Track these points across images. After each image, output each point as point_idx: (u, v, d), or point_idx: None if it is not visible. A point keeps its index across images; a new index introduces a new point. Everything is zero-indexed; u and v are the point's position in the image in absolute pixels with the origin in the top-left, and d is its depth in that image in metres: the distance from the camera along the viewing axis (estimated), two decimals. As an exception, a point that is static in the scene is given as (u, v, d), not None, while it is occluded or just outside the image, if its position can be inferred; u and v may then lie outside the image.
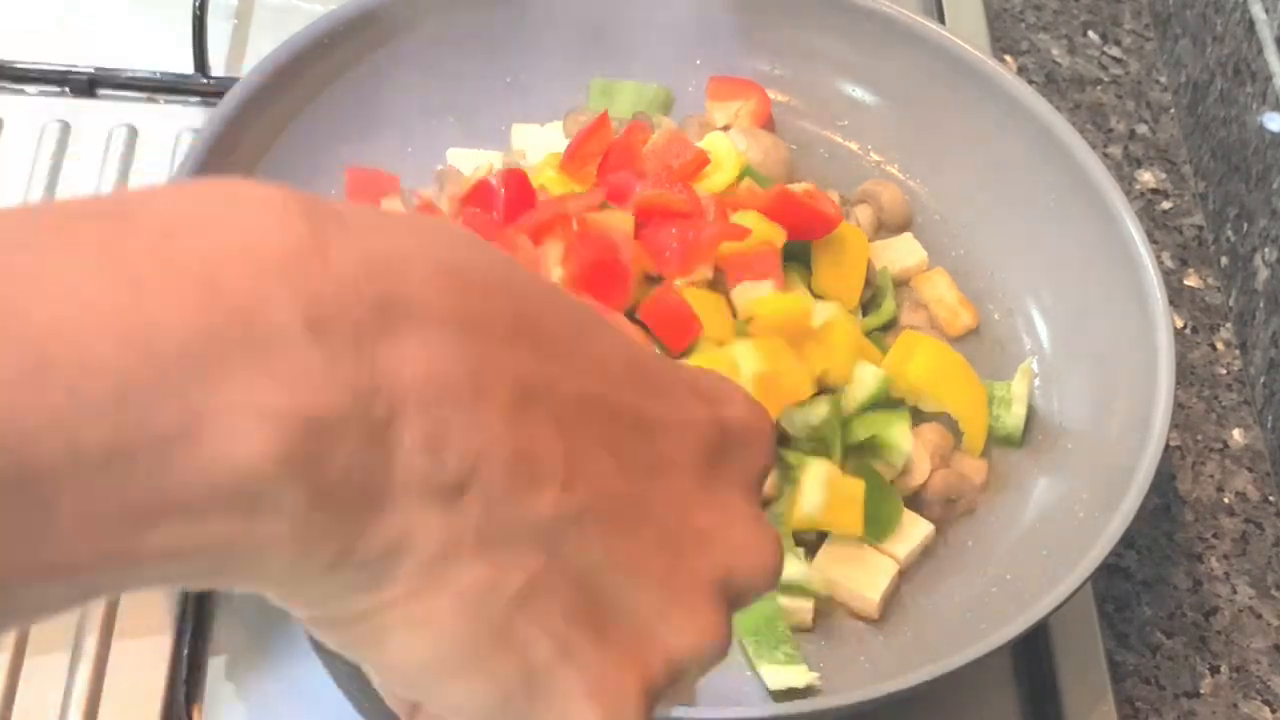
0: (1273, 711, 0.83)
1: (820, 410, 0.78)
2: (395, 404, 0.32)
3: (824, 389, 0.79)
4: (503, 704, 0.37)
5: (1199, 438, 0.94)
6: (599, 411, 0.36)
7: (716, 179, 0.86)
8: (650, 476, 0.37)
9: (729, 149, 0.87)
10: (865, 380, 0.80)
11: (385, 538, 0.33)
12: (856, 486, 0.76)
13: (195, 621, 0.78)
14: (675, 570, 0.37)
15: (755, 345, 0.77)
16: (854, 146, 0.96)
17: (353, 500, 0.32)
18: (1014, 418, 0.84)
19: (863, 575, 0.77)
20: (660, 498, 0.37)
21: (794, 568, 0.75)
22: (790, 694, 0.73)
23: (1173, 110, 1.11)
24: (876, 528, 0.77)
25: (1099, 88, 1.12)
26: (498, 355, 0.34)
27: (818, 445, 0.78)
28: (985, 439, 0.83)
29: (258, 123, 0.85)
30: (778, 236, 0.81)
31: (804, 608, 0.76)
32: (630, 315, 0.79)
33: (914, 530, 0.79)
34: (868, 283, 0.86)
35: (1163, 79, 1.13)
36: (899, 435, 0.80)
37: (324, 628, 0.37)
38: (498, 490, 0.34)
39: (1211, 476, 0.93)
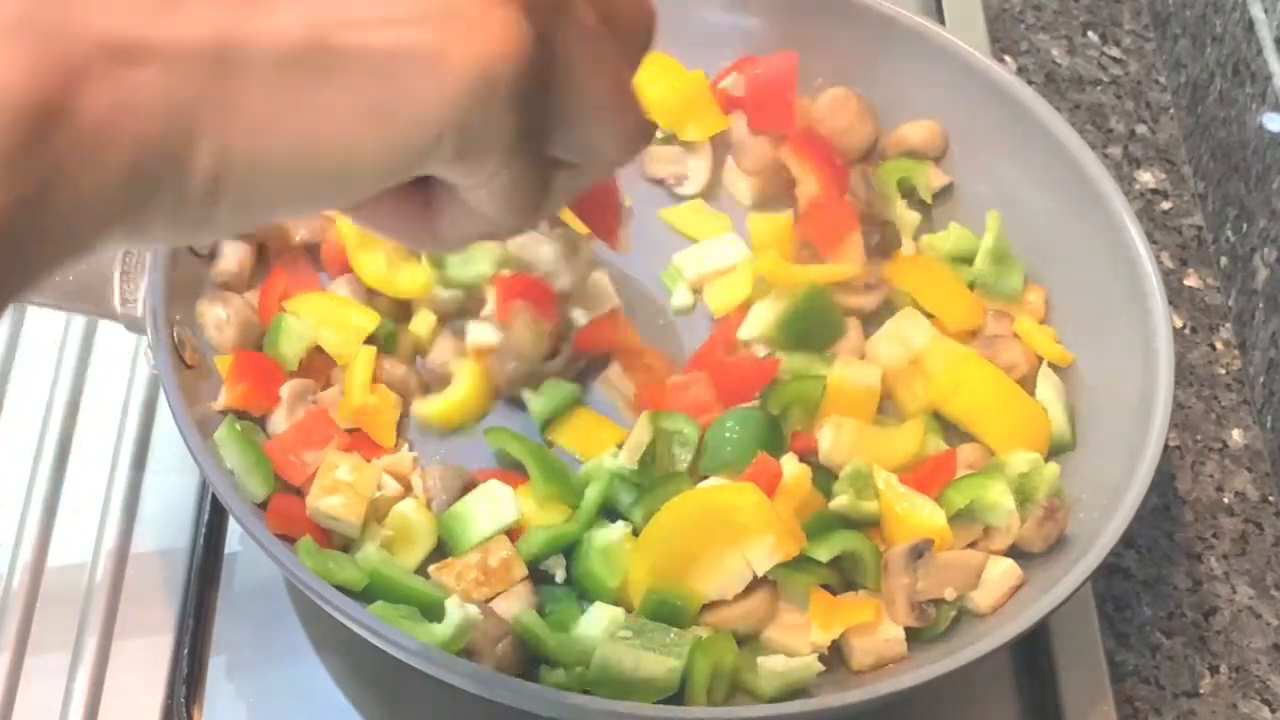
0: (1272, 711, 0.83)
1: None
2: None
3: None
4: (379, 121, 0.39)
5: (1199, 438, 0.94)
6: None
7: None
8: None
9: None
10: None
11: (150, 97, 0.36)
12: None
13: (195, 621, 0.78)
14: None
15: None
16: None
17: (95, 78, 0.36)
18: (1056, 424, 0.82)
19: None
20: None
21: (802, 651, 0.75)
22: (792, 692, 0.73)
23: (1172, 110, 1.11)
24: None
25: (1099, 88, 1.12)
26: None
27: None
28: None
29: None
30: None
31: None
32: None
33: (1004, 578, 0.77)
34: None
35: (1162, 79, 1.13)
36: (998, 494, 0.77)
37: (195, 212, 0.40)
38: None
39: (1211, 476, 0.93)
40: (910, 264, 0.88)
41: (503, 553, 0.74)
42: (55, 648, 0.78)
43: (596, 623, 0.73)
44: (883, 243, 0.88)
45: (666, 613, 0.73)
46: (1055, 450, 0.82)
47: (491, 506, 0.76)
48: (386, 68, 0.38)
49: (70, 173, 0.36)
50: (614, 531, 0.76)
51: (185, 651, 0.77)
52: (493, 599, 0.74)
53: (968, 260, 0.89)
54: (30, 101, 0.35)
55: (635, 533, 0.76)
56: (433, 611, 0.72)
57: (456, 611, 0.71)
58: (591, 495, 0.76)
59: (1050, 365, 0.85)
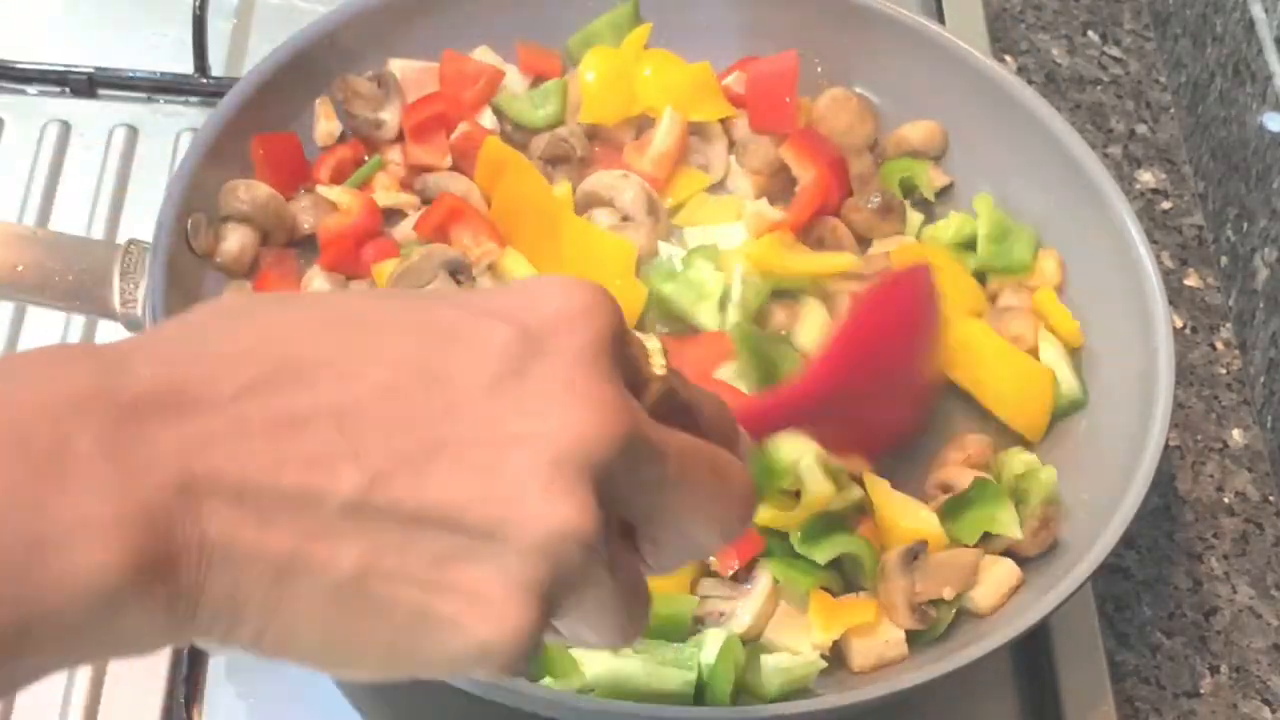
0: (1272, 711, 0.83)
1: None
2: (192, 485, 0.39)
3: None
4: (390, 656, 0.42)
5: (1199, 438, 0.94)
6: (372, 395, 0.41)
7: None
8: (444, 418, 0.42)
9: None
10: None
11: (220, 589, 0.40)
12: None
13: (195, 621, 0.78)
14: (495, 479, 0.41)
15: None
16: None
17: (185, 570, 0.39)
18: (1065, 382, 0.82)
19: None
20: (457, 430, 0.42)
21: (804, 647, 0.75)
22: (794, 692, 0.73)
23: (1173, 110, 1.11)
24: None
25: (1099, 88, 1.12)
26: (261, 408, 0.40)
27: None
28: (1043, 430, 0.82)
29: (257, 123, 0.85)
30: None
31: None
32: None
33: (1004, 579, 0.77)
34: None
35: (1163, 79, 1.13)
36: (1007, 521, 0.77)
37: (221, 650, 0.43)
38: (295, 503, 0.40)
39: (1211, 476, 0.93)
40: (912, 254, 0.88)
41: None
42: (55, 648, 0.78)
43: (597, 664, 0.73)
44: (883, 205, 0.89)
45: (666, 630, 0.73)
46: (1069, 409, 0.82)
47: None
48: (408, 622, 0.42)
49: (136, 638, 0.41)
50: None
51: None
52: None
53: (971, 247, 0.89)
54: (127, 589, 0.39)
55: None
56: None
57: None
58: None
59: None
